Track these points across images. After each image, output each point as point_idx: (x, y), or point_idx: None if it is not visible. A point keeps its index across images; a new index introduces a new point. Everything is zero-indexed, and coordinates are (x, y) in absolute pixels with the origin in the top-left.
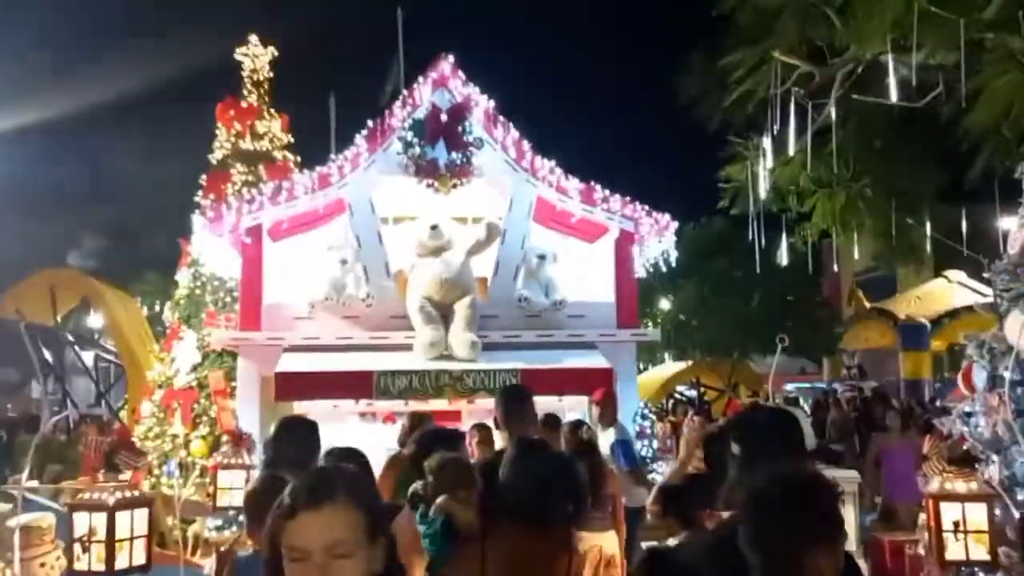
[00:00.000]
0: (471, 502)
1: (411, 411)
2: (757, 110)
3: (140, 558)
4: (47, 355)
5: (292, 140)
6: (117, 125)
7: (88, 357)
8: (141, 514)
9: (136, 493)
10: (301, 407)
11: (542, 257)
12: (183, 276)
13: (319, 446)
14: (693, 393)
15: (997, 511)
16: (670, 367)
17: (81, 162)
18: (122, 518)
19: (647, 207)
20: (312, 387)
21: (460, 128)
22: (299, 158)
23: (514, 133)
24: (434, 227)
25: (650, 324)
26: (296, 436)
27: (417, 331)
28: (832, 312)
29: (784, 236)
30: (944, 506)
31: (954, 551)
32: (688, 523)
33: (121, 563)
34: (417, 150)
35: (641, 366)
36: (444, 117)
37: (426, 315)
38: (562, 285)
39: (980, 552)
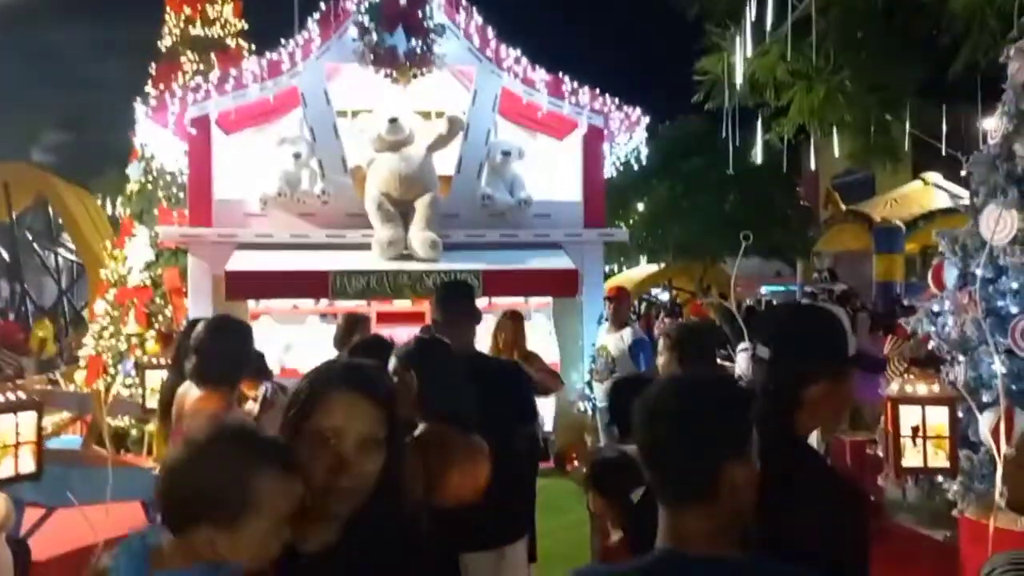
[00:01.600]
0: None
1: (345, 312)
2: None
3: (28, 465)
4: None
5: (247, 26)
6: (68, 12)
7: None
8: (28, 417)
9: (22, 395)
10: (258, 307)
11: (507, 153)
12: (134, 170)
13: (247, 354)
14: (667, 296)
15: (960, 414)
16: (642, 270)
17: (33, 54)
18: (5, 421)
19: (618, 101)
20: (265, 287)
21: (420, 13)
22: (255, 46)
23: (478, 19)
24: (393, 120)
25: (622, 225)
26: (221, 341)
27: (375, 229)
28: (808, 214)
29: (760, 133)
30: (903, 409)
31: (912, 457)
32: None
33: (6, 470)
34: (374, 37)
35: (615, 268)
36: (403, 1)
37: (384, 213)
38: (528, 183)
39: (940, 459)
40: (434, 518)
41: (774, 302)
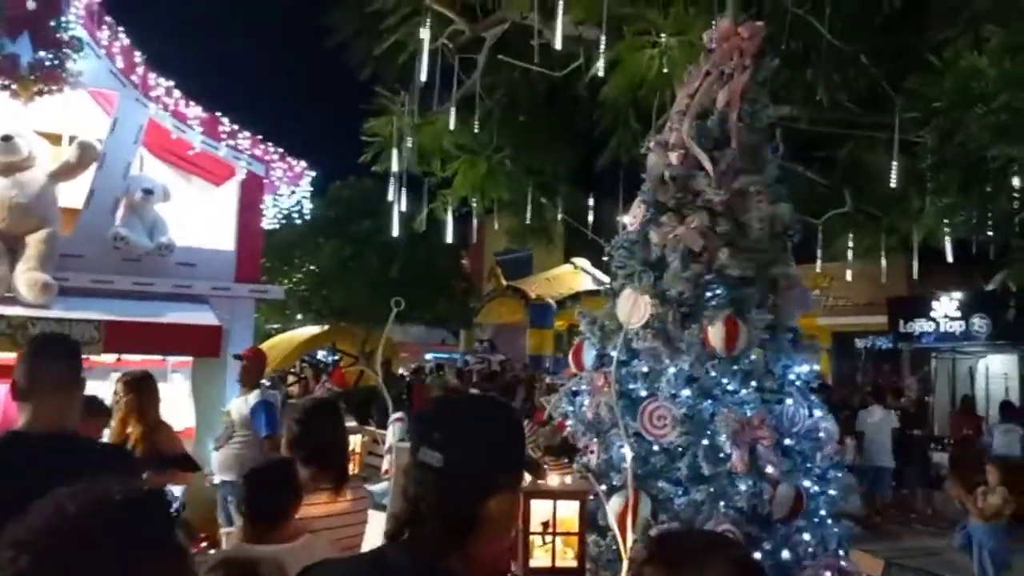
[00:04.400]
0: None
1: None
2: (408, 64)
3: None
4: None
5: None
6: None
7: None
8: None
9: None
10: None
11: (149, 192)
12: None
13: None
14: (332, 359)
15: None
16: (307, 331)
17: None
18: None
19: (281, 151)
20: None
21: (54, 22)
22: None
23: (124, 40)
24: (6, 138)
25: (286, 282)
26: None
27: None
28: (471, 286)
29: (425, 202)
30: (535, 504)
31: (540, 556)
32: None
33: None
34: None
35: (276, 329)
36: (32, 4)
37: None
38: (173, 228)
39: (568, 557)
40: None
41: (436, 369)
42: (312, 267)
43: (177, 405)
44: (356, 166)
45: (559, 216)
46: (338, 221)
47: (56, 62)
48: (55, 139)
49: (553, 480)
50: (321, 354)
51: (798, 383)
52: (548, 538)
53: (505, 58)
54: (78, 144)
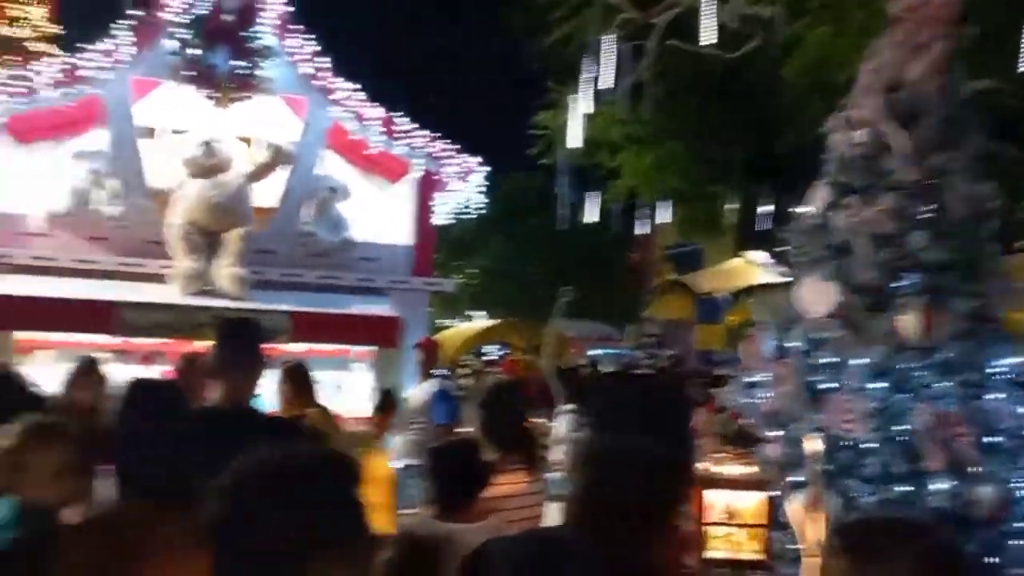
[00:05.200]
0: None
1: (185, 353)
2: (577, 56)
3: None
4: None
5: (62, 31)
6: None
7: None
8: None
9: None
10: (40, 338)
11: (334, 190)
12: None
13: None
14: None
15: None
16: (475, 325)
17: None
18: None
19: (454, 146)
20: (35, 316)
21: (247, 33)
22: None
23: (312, 47)
24: (207, 143)
25: (462, 277)
26: None
27: (176, 260)
28: (639, 280)
29: (594, 194)
30: (712, 494)
31: (719, 548)
32: None
33: None
34: (193, 52)
35: (450, 323)
36: (229, 17)
37: (189, 243)
38: (354, 224)
39: (752, 549)
40: None
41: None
42: (481, 262)
43: (358, 394)
44: (524, 161)
45: (732, 207)
46: (507, 216)
47: (249, 70)
48: (248, 142)
49: (731, 469)
50: (489, 349)
51: (1005, 377)
52: (725, 529)
53: (677, 43)
54: (271, 147)
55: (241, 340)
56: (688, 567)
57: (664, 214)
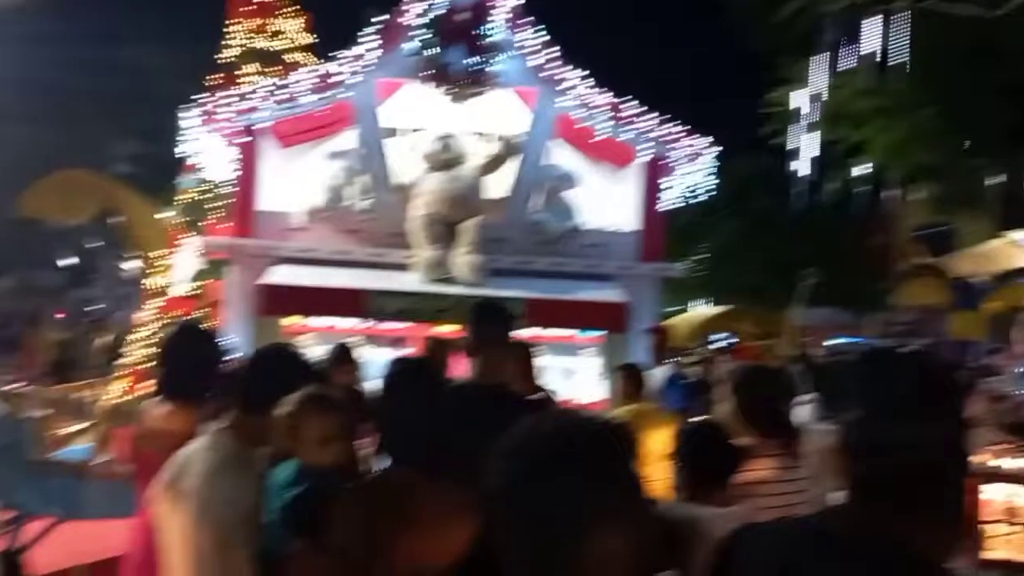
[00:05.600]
0: None
1: (433, 336)
2: (814, 27)
3: None
4: (72, 259)
5: (316, 40)
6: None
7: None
8: None
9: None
10: (305, 323)
11: (562, 178)
12: (188, 181)
13: (208, 366)
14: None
15: None
16: (705, 311)
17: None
18: None
19: (683, 127)
20: (298, 303)
21: (481, 30)
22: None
23: (542, 38)
24: (445, 138)
25: (689, 262)
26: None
27: (418, 249)
28: (883, 263)
29: (833, 173)
30: (991, 489)
31: (1000, 548)
32: None
33: None
34: (431, 52)
35: (680, 309)
36: (464, 16)
37: (429, 233)
38: (582, 210)
39: None
40: None
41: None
42: (710, 246)
43: (587, 379)
44: (753, 141)
45: (993, 181)
46: (736, 198)
47: (483, 65)
48: (481, 135)
49: (1014, 463)
50: (716, 336)
51: None
52: (1006, 528)
53: (929, 4)
54: (503, 140)
55: (497, 321)
56: (961, 567)
57: (913, 191)
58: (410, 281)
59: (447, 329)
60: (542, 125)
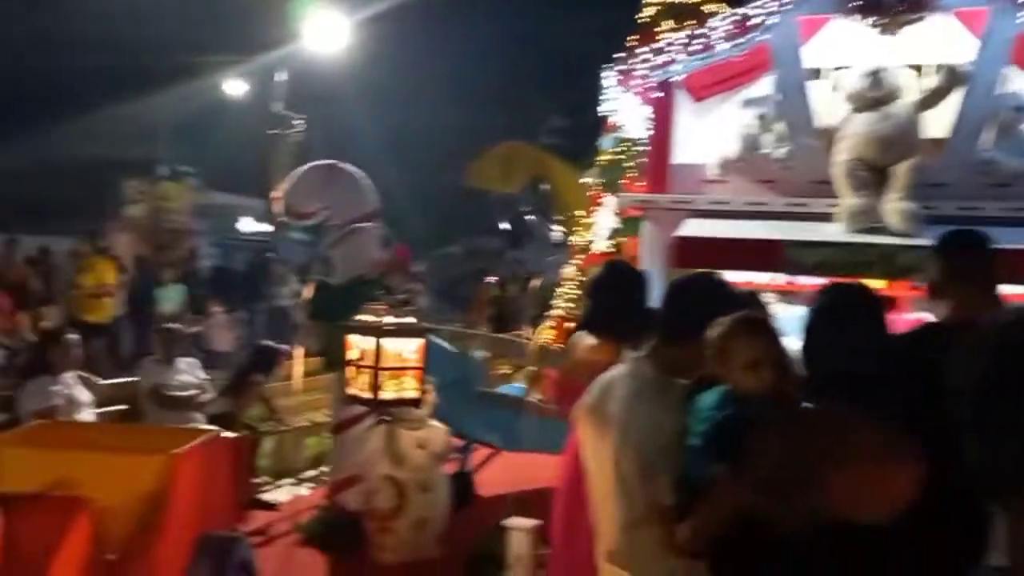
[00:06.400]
0: None
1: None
2: None
3: (410, 391)
4: (507, 224)
5: None
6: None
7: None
8: (412, 344)
9: (411, 320)
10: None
11: (1020, 109)
12: (607, 142)
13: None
14: None
15: None
16: None
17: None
18: (392, 345)
19: None
20: (712, 255)
21: None
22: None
23: None
24: (873, 73)
25: None
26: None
27: (842, 197)
28: None
29: None
30: None
31: None
32: None
33: (388, 393)
34: None
35: None
36: None
37: (855, 179)
38: None
39: None
40: None
41: None
42: None
43: None
44: None
45: None
46: None
47: None
48: (916, 68)
49: None
50: None
51: None
52: None
53: None
54: (945, 70)
55: (972, 251)
56: None
57: None
58: (832, 231)
59: (872, 285)
60: (995, 48)
